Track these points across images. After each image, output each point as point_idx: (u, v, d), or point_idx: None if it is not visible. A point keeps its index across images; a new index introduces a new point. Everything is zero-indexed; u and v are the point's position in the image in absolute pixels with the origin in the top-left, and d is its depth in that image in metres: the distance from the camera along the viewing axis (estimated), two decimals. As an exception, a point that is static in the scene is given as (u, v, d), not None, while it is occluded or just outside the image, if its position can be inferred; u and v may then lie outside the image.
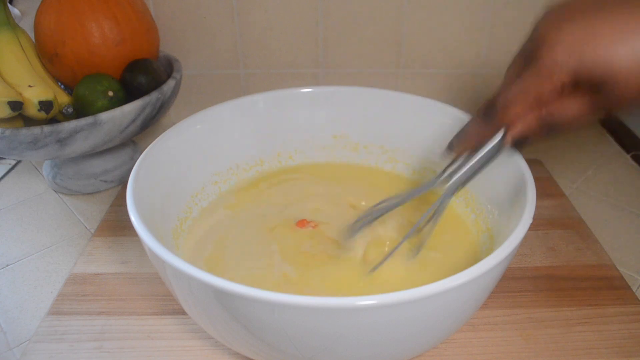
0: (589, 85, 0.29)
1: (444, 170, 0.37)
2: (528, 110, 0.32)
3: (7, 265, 0.47)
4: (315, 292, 0.36)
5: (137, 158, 0.38)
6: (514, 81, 0.32)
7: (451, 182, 0.36)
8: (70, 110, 0.52)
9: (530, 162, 0.36)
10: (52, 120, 0.53)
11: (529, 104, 0.31)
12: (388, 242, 0.40)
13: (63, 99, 0.53)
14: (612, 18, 0.28)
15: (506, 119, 0.33)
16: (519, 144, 0.34)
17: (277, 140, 0.49)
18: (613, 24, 0.28)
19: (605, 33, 0.28)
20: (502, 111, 0.33)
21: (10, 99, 0.47)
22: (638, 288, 0.43)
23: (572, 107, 0.31)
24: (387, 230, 0.41)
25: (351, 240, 0.39)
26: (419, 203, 0.44)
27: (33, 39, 0.55)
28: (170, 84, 0.53)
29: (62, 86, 0.57)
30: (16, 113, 0.48)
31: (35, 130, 0.46)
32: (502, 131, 0.33)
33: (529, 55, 0.31)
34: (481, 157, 0.35)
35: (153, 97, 0.51)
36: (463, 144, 0.36)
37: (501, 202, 0.38)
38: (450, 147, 0.37)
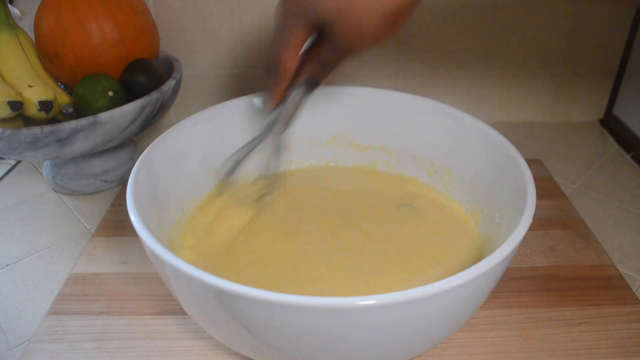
0: (324, 32, 0.33)
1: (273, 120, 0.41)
2: (299, 61, 0.36)
3: (7, 265, 0.47)
4: (316, 290, 0.36)
5: (137, 158, 0.38)
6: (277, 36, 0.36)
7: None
8: (70, 110, 0.52)
9: (530, 162, 0.37)
10: (52, 120, 0.53)
11: (295, 55, 0.35)
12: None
13: (63, 99, 0.53)
14: None
15: (289, 75, 0.37)
16: (314, 84, 0.38)
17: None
18: None
19: None
20: (283, 72, 0.37)
21: (10, 99, 0.47)
22: (638, 288, 0.43)
23: (325, 52, 0.34)
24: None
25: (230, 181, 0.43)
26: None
27: (33, 39, 0.55)
28: (170, 84, 0.53)
29: (62, 86, 0.57)
30: (16, 113, 0.48)
31: (35, 130, 0.46)
32: (295, 84, 0.37)
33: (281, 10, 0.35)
34: (293, 108, 0.39)
35: (153, 97, 0.51)
36: (271, 102, 0.40)
37: (501, 202, 0.38)
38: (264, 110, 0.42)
